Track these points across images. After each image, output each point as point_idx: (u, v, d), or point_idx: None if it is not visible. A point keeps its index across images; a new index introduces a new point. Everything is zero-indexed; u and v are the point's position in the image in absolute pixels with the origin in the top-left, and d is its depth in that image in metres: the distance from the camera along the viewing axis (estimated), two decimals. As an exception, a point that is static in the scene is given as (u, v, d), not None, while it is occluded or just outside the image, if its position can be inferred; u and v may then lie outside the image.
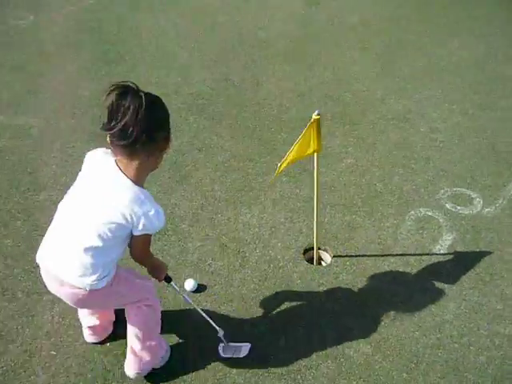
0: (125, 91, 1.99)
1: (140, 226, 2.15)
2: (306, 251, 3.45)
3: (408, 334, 2.95)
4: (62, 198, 2.33)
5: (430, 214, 3.71)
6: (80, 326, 2.86)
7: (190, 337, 2.93)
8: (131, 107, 1.96)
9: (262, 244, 3.49)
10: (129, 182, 2.12)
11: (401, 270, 3.32)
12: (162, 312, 2.71)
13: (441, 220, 3.66)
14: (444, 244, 3.49)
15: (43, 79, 5.06)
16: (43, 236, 2.36)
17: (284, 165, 2.76)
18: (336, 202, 3.78)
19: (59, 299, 2.44)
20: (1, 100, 4.77)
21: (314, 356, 2.84)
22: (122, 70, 5.15)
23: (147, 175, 2.24)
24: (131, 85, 2.02)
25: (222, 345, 2.85)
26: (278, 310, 3.09)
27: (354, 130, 4.45)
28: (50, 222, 2.35)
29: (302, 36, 5.86)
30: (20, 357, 2.80)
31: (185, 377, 2.74)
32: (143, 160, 2.10)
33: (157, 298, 2.68)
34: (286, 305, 3.12)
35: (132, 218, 2.12)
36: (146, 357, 2.62)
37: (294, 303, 3.13)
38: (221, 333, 2.82)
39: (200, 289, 3.22)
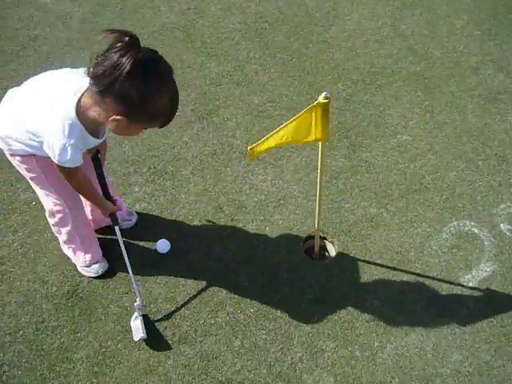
0: (128, 43, 1.73)
1: (45, 146, 1.99)
2: (309, 238, 2.90)
3: None
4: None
5: (475, 231, 3.00)
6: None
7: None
8: (118, 63, 1.72)
9: (262, 217, 2.97)
10: (71, 105, 1.89)
11: (410, 295, 2.71)
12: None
13: (486, 243, 2.94)
14: (478, 276, 2.82)
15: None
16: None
17: (266, 146, 2.14)
18: (367, 185, 3.15)
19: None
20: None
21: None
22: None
23: (97, 126, 2.01)
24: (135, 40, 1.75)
25: (135, 314, 2.55)
26: (241, 301, 2.63)
27: (426, 99, 3.65)
28: None
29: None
30: None
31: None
32: (102, 114, 1.88)
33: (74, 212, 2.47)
34: (253, 297, 2.64)
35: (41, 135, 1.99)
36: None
37: (264, 298, 2.65)
38: (138, 303, 2.51)
39: (170, 253, 2.81)
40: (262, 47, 3.91)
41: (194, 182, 3.11)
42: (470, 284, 2.78)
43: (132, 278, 2.53)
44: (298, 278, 2.76)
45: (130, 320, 2.56)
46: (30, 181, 2.36)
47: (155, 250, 2.80)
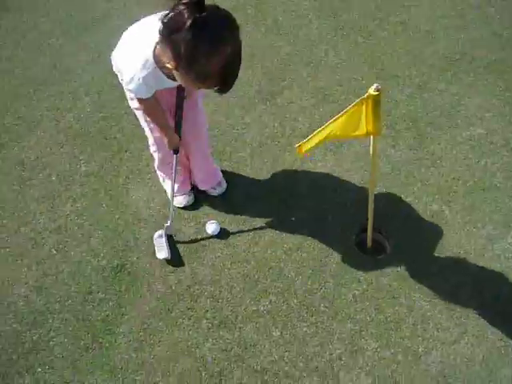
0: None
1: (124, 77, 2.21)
2: (363, 230, 2.78)
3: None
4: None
5: (546, 237, 2.77)
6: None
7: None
8: (180, 17, 1.79)
9: (316, 205, 2.89)
10: (149, 48, 2.06)
11: (463, 300, 2.56)
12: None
13: (556, 251, 2.72)
14: (543, 285, 2.61)
15: None
16: None
17: (314, 142, 2.06)
18: (431, 180, 2.98)
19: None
20: None
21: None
22: None
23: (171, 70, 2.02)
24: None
25: (159, 232, 2.77)
26: (285, 290, 2.60)
27: (508, 90, 3.39)
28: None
29: None
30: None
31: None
32: (166, 59, 1.96)
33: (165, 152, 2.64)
34: (297, 287, 2.60)
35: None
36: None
37: (309, 289, 2.61)
38: (169, 224, 2.75)
39: (219, 235, 2.80)
40: (335, 27, 3.78)
41: (251, 164, 3.07)
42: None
43: (172, 201, 2.71)
44: (346, 271, 2.67)
45: (173, 300, 2.58)
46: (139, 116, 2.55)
47: (205, 231, 2.79)
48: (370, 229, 2.63)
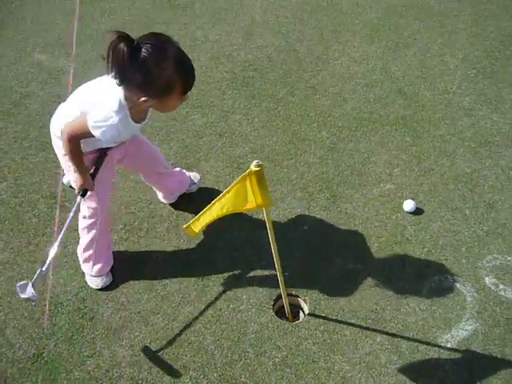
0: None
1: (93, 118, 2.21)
2: (281, 296, 2.79)
3: None
4: None
5: (457, 285, 2.86)
6: None
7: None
8: (116, 55, 1.99)
9: (233, 275, 2.91)
10: (118, 94, 2.17)
11: (383, 358, 2.59)
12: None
13: (468, 299, 2.80)
14: (457, 335, 2.67)
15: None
16: None
17: (204, 221, 2.10)
18: (345, 239, 3.05)
19: None
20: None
21: None
22: (181, 20, 4.56)
23: (139, 114, 2.29)
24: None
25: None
26: (205, 364, 2.56)
27: (414, 144, 3.54)
28: None
29: (408, 6, 4.76)
30: None
31: None
32: (134, 100, 2.15)
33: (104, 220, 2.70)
34: (217, 360, 2.57)
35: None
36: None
37: (229, 361, 2.57)
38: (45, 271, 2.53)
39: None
40: (247, 96, 3.90)
41: (168, 239, 3.08)
42: (449, 345, 2.64)
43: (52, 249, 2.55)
44: (265, 339, 2.67)
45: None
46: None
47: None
48: (285, 296, 2.65)
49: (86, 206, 2.66)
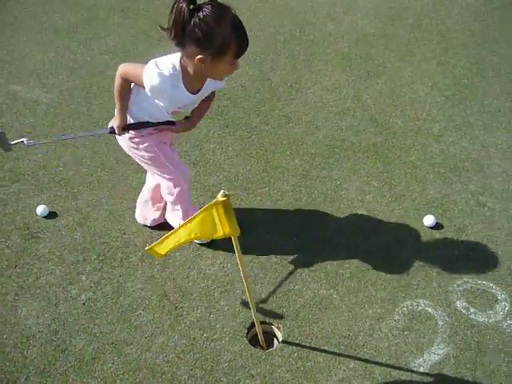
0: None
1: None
2: (258, 324, 2.80)
3: None
4: None
5: (429, 310, 2.89)
6: None
7: None
8: (178, 12, 2.15)
9: (207, 303, 2.91)
10: (174, 58, 2.39)
11: (355, 382, 2.60)
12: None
13: (440, 323, 2.83)
14: (429, 359, 2.69)
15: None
16: None
17: (170, 244, 2.10)
18: (318, 266, 3.08)
19: None
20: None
21: None
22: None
23: (195, 81, 2.45)
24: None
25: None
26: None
27: (386, 171, 3.61)
28: None
29: (378, 35, 4.90)
30: None
31: None
32: (191, 62, 2.31)
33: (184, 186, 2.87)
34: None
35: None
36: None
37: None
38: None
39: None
40: (222, 125, 3.94)
41: (142, 268, 3.08)
42: (421, 369, 2.65)
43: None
44: (238, 367, 2.67)
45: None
46: (147, 165, 2.82)
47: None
48: (257, 324, 2.65)
49: (166, 179, 2.85)
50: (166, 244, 2.08)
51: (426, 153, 3.72)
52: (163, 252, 2.10)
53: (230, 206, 2.02)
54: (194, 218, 2.03)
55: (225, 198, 1.97)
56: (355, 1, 5.32)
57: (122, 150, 2.89)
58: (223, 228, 2.07)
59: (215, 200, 1.98)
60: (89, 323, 2.86)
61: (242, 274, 2.37)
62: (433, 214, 3.27)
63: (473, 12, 5.17)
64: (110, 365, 2.69)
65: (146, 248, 2.11)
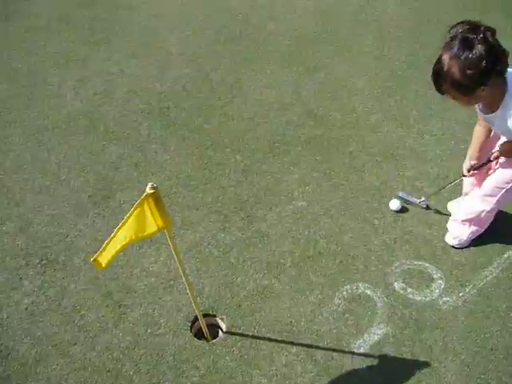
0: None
1: None
2: (201, 317, 2.82)
3: None
4: None
5: (368, 292, 2.97)
6: None
7: None
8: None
9: (151, 300, 2.93)
10: None
11: (298, 368, 2.65)
12: None
13: (379, 304, 2.91)
14: (369, 339, 2.77)
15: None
16: None
17: (111, 253, 2.12)
18: (260, 257, 3.13)
19: None
20: None
21: None
22: (98, 55, 4.63)
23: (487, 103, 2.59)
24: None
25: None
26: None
27: (325, 161, 3.69)
28: None
29: (317, 32, 5.00)
30: None
31: None
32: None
33: None
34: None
35: None
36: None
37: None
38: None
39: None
40: (163, 126, 3.98)
41: (85, 270, 3.08)
42: (362, 350, 2.73)
43: None
44: (183, 360, 2.70)
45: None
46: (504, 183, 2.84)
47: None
48: (200, 317, 2.69)
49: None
50: (107, 252, 2.09)
51: (363, 143, 3.83)
52: (105, 262, 2.11)
53: (160, 197, 2.05)
54: (128, 217, 2.05)
55: (153, 191, 2.01)
56: (295, 0, 5.43)
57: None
58: (156, 221, 2.10)
59: (145, 194, 2.02)
60: (32, 327, 2.85)
61: (179, 267, 2.39)
62: (368, 202, 3.36)
63: (407, 7, 5.32)
64: (54, 366, 2.69)
65: (92, 259, 2.12)
